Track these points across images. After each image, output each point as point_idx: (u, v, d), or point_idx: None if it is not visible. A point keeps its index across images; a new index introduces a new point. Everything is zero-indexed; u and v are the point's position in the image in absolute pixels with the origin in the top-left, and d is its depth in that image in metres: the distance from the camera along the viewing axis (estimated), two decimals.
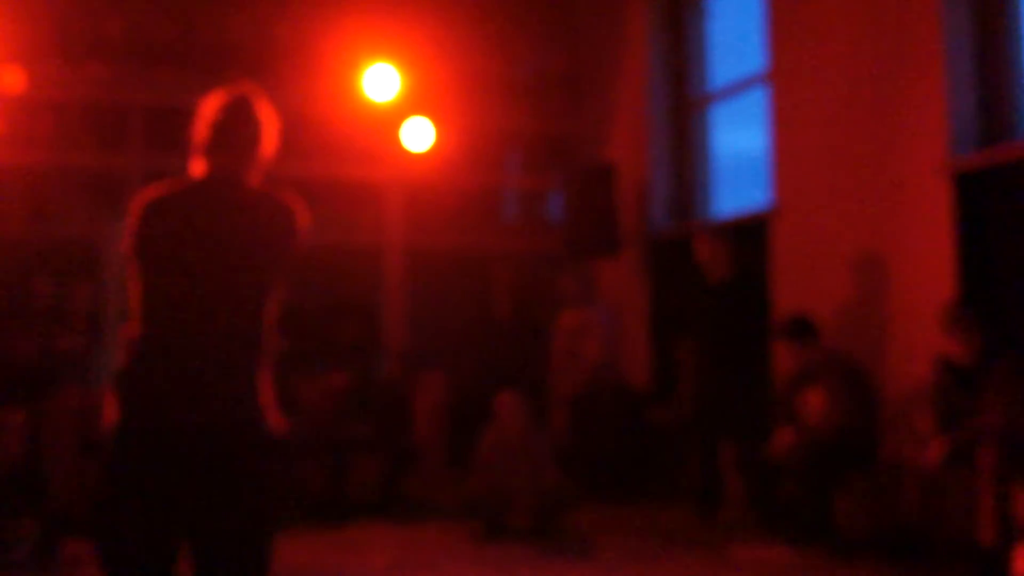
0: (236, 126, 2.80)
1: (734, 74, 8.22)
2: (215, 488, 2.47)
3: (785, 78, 7.13)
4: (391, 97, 8.45)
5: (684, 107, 8.65)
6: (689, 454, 7.05)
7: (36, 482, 6.18)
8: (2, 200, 8.50)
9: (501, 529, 6.32)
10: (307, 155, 8.36)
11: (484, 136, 9.12)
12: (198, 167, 2.79)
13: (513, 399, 6.60)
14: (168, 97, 7.93)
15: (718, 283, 6.76)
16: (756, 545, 5.94)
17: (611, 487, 7.63)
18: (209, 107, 2.85)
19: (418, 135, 8.65)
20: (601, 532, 6.44)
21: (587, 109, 9.41)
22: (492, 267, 8.47)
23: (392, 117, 8.58)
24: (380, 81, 8.43)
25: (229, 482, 2.49)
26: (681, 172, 8.61)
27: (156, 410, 2.49)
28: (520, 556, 5.80)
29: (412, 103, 8.59)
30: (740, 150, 8.54)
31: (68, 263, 8.20)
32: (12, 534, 5.88)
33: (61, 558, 5.98)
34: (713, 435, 6.68)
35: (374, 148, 8.84)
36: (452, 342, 8.85)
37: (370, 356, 8.69)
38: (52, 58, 8.11)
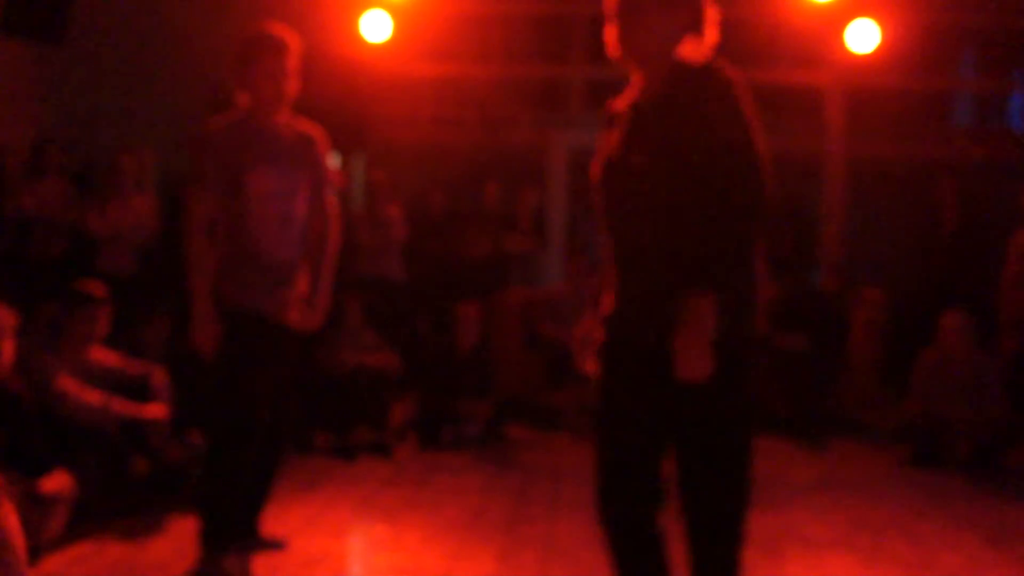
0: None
1: None
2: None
3: None
4: None
5: None
6: None
7: (487, 369, 6.70)
8: (458, 110, 9.14)
9: (935, 458, 6.04)
10: (747, 60, 8.18)
11: (935, 33, 8.47)
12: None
13: (959, 320, 6.33)
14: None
15: None
16: None
17: None
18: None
19: (863, 35, 8.19)
20: None
21: None
22: (940, 177, 7.92)
23: (835, 17, 8.17)
24: None
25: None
26: None
27: None
28: (954, 488, 5.52)
29: (856, 1, 8.12)
30: None
31: (516, 170, 8.67)
32: (466, 413, 6.44)
33: (506, 439, 6.49)
34: None
35: (816, 50, 8.49)
36: (893, 257, 8.42)
37: (804, 268, 8.49)
38: None
